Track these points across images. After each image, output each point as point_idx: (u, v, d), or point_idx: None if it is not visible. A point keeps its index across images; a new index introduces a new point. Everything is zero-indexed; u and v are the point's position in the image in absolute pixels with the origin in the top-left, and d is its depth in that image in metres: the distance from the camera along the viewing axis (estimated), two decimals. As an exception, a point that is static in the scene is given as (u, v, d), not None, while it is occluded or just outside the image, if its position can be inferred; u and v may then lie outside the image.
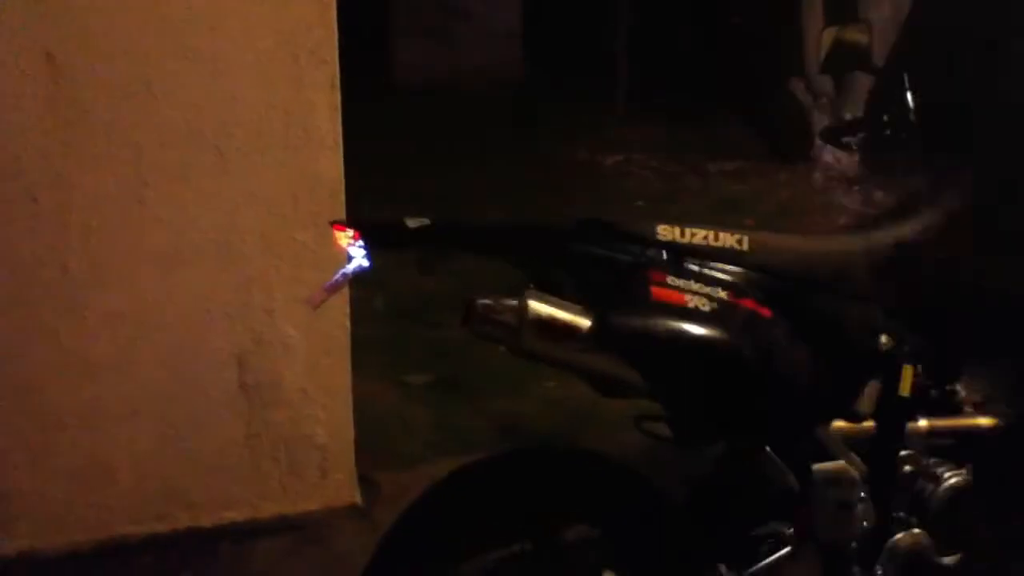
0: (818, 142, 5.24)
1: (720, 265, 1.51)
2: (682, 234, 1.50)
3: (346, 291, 2.39)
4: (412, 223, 1.42)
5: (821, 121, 5.14)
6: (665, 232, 1.49)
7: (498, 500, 1.51)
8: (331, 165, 2.33)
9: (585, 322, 1.40)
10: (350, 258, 1.45)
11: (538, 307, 1.39)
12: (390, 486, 2.60)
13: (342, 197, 2.34)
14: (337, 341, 2.47)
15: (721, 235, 1.52)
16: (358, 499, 2.54)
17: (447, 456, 2.59)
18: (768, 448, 1.55)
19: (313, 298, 1.49)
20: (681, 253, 1.50)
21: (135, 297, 2.29)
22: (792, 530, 1.61)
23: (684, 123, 5.32)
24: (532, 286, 1.42)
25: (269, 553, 2.41)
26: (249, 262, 2.34)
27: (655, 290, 1.44)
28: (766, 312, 1.51)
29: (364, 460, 2.59)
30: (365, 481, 2.59)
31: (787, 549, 1.60)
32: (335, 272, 1.49)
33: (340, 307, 2.43)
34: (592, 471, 1.58)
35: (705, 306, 1.44)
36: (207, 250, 2.31)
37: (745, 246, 1.53)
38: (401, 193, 3.43)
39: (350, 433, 2.53)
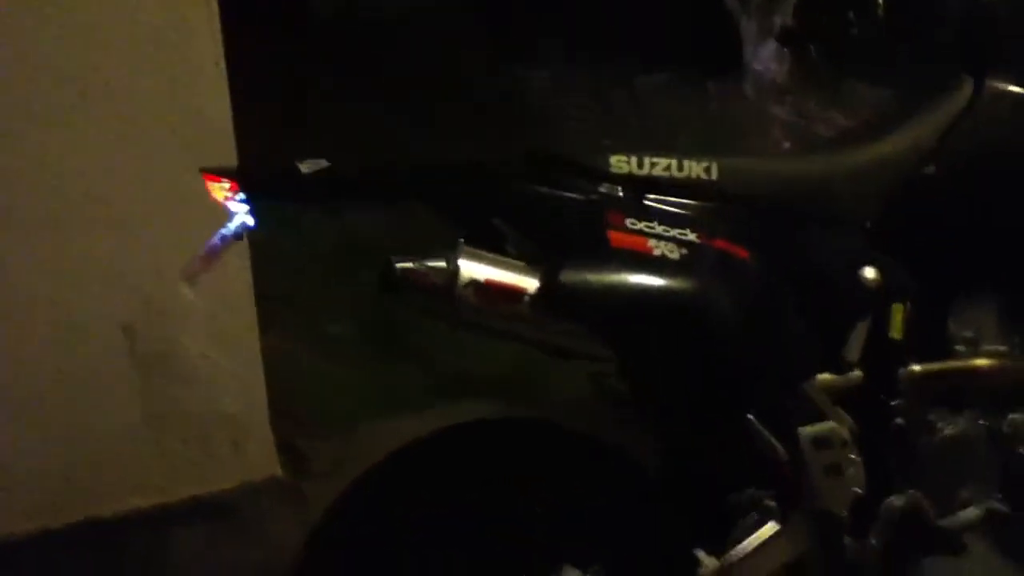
0: (747, 50, 4.99)
1: (686, 200, 1.26)
2: (640, 164, 1.25)
3: (244, 239, 2.10)
4: (306, 167, 1.15)
5: (750, 28, 4.88)
6: (620, 163, 1.24)
7: (445, 481, 1.31)
8: (215, 97, 2.00)
9: (531, 282, 1.14)
10: (231, 215, 1.18)
11: (472, 267, 1.13)
12: (315, 454, 2.36)
13: (231, 136, 2.02)
14: (240, 298, 2.19)
15: (686, 163, 1.27)
16: (278, 471, 2.29)
17: (376, 419, 2.36)
18: (749, 414, 1.32)
19: (188, 269, 1.21)
20: (641, 188, 1.25)
21: (-1, 268, 1.97)
22: (777, 501, 1.40)
23: (604, 39, 5.01)
24: (464, 240, 1.15)
25: (182, 540, 2.17)
26: (128, 216, 2.02)
27: (613, 235, 1.19)
28: (742, 252, 1.27)
29: (285, 427, 2.33)
30: (287, 450, 2.35)
31: (772, 522, 1.40)
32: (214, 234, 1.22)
33: (240, 258, 2.13)
34: (548, 443, 1.36)
35: (673, 253, 1.20)
36: (77, 206, 1.99)
37: (714, 174, 1.28)
38: (308, 129, 3.10)
39: (263, 399, 2.27)
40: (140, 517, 2.17)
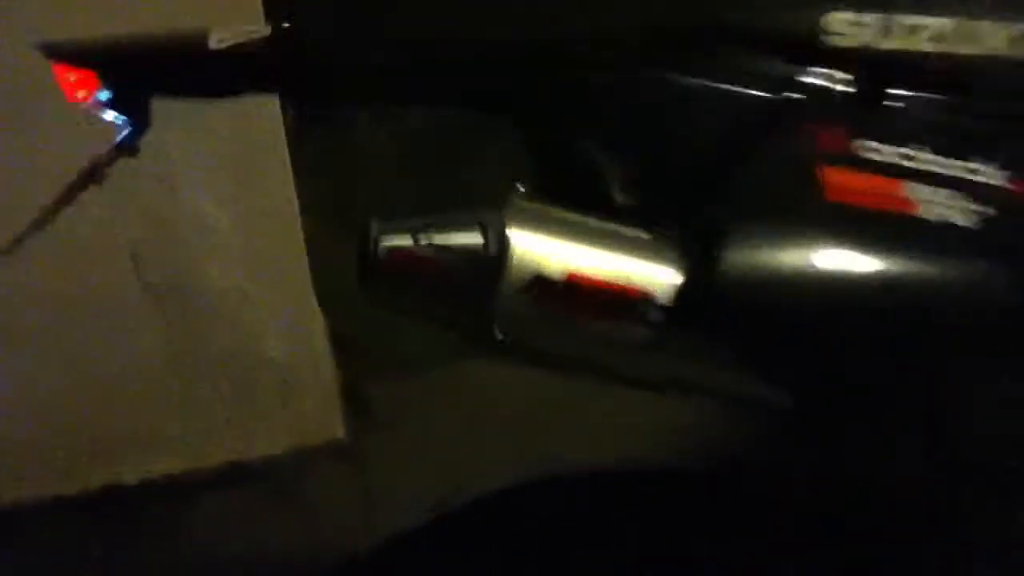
0: None
1: (980, 106, 0.64)
2: (886, 31, 0.62)
3: (281, 140, 1.58)
4: (222, 38, 0.58)
5: None
6: (846, 25, 0.62)
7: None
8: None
9: (661, 275, 0.55)
10: (119, 125, 0.68)
11: (536, 246, 0.54)
12: (377, 402, 1.86)
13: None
14: (283, 213, 1.68)
15: (979, 28, 0.63)
16: (337, 431, 1.81)
17: (448, 357, 1.84)
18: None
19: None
20: (886, 78, 0.63)
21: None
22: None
23: None
24: (520, 188, 0.56)
25: (214, 514, 1.77)
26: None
27: (831, 175, 0.58)
28: None
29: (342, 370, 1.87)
30: (347, 399, 1.86)
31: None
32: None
33: (278, 165, 1.63)
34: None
35: (961, 213, 0.58)
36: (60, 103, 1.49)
37: None
38: None
39: (320, 341, 1.81)
40: (166, 485, 1.77)
